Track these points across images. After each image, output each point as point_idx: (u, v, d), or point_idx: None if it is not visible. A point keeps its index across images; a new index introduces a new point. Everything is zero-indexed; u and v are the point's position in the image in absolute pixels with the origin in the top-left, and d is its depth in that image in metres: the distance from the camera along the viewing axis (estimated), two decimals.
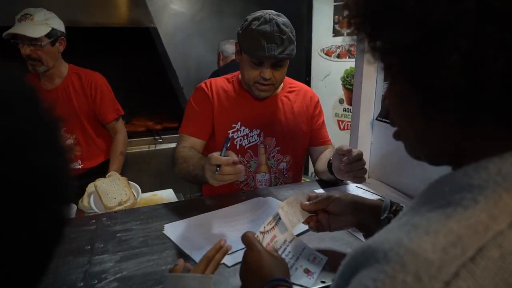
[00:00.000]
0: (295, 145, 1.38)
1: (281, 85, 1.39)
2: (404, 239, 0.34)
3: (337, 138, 2.36)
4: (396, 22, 0.38)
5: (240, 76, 1.37)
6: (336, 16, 2.52)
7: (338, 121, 2.81)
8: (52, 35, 1.66)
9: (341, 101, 2.77)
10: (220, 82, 1.39)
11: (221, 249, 0.79)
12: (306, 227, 0.92)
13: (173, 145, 2.41)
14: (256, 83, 1.27)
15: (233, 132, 1.33)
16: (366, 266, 0.35)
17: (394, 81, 0.45)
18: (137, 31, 2.16)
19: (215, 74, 2.25)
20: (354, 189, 1.29)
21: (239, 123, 1.33)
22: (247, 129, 1.33)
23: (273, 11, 1.24)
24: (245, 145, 1.34)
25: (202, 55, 2.70)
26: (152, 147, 2.29)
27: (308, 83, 2.74)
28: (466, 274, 0.30)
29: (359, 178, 1.10)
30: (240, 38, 1.27)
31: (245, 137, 1.34)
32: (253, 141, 1.34)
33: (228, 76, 1.42)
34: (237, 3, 2.72)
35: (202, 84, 1.38)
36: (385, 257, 0.33)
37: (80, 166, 1.84)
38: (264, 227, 0.81)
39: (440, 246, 0.32)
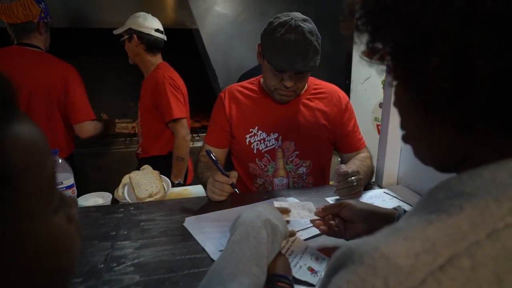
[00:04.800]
0: (316, 149, 1.35)
1: (304, 87, 1.36)
2: (381, 243, 0.34)
3: (376, 142, 2.29)
4: (390, 25, 0.38)
5: (262, 79, 1.38)
6: None
7: (378, 125, 2.72)
8: (128, 33, 1.92)
9: (381, 105, 2.68)
10: (240, 87, 1.40)
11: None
12: (316, 231, 0.92)
13: None
14: (278, 90, 1.27)
15: (250, 137, 1.34)
16: (344, 267, 0.36)
17: (397, 84, 0.44)
18: (180, 32, 2.26)
19: (243, 77, 2.28)
20: (381, 194, 1.26)
21: (256, 127, 1.34)
22: (264, 133, 1.33)
23: (299, 15, 1.20)
24: (262, 149, 1.34)
25: (243, 56, 2.74)
26: (190, 144, 2.37)
27: (348, 86, 2.68)
28: (432, 282, 0.30)
29: (348, 196, 1.13)
30: (263, 44, 1.25)
31: (262, 141, 1.33)
32: (270, 145, 1.33)
33: (253, 79, 1.43)
34: (279, 4, 2.73)
35: (221, 93, 1.42)
36: (360, 259, 0.33)
37: (140, 153, 2.08)
38: None
39: (413, 252, 0.32)
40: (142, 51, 1.95)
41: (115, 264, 0.85)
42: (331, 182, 1.56)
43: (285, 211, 0.90)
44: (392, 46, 0.39)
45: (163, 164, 1.87)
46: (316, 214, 0.91)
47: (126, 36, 1.94)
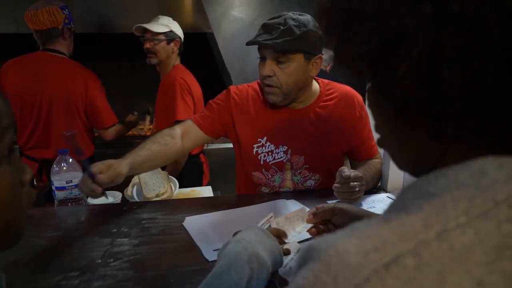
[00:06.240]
0: (326, 164, 1.28)
1: (316, 94, 1.28)
2: (338, 241, 0.34)
3: None
4: (358, 27, 0.37)
5: None
6: None
7: None
8: (168, 35, 2.01)
9: None
10: (253, 91, 1.32)
11: None
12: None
13: (223, 145, 2.52)
14: (264, 85, 1.20)
15: (257, 147, 1.27)
16: (305, 264, 0.37)
17: (367, 89, 0.44)
18: (196, 36, 2.31)
19: None
20: (384, 199, 1.24)
21: (264, 138, 1.26)
22: (273, 145, 1.26)
23: (299, 12, 1.16)
24: (270, 161, 1.27)
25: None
26: (204, 146, 2.42)
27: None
28: (376, 280, 0.29)
29: (346, 200, 1.12)
30: None
31: (270, 153, 1.27)
32: (278, 158, 1.26)
33: None
34: (296, 8, 2.74)
35: (233, 89, 1.32)
36: (318, 256, 0.34)
37: None
38: None
39: (363, 250, 0.32)
40: (175, 55, 2.07)
41: (112, 260, 0.88)
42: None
43: (283, 234, 0.84)
44: (361, 50, 0.38)
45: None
46: (308, 221, 0.88)
47: (165, 38, 2.01)
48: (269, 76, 1.16)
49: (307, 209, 0.98)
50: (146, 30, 2.00)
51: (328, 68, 2.60)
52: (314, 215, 0.87)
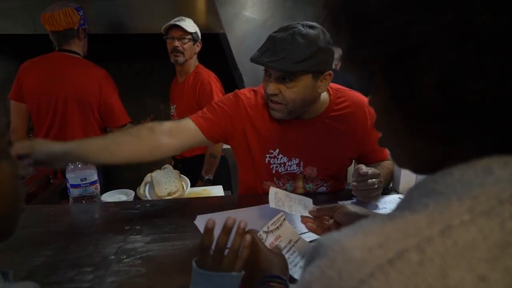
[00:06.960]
0: (338, 172, 1.29)
1: (326, 103, 1.23)
2: (343, 237, 0.35)
3: None
4: (373, 31, 0.37)
5: None
6: None
7: None
8: (194, 37, 2.09)
9: None
10: (261, 96, 1.25)
11: (242, 236, 0.74)
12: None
13: None
14: (269, 100, 1.14)
15: (270, 158, 1.24)
16: (312, 260, 0.37)
17: (377, 91, 0.43)
18: (208, 36, 2.33)
19: None
20: (395, 200, 1.23)
21: (277, 150, 1.23)
22: (285, 157, 1.24)
23: (309, 23, 1.07)
24: (282, 171, 1.25)
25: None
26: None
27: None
28: (380, 275, 0.30)
29: (365, 198, 1.13)
30: None
31: (283, 165, 1.25)
32: (291, 170, 1.25)
33: None
34: (308, 9, 2.74)
35: (243, 96, 1.25)
36: (324, 252, 0.34)
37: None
38: (268, 227, 0.84)
39: (368, 245, 0.32)
40: (196, 56, 2.16)
41: (124, 256, 0.90)
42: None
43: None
44: (374, 53, 0.39)
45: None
46: (310, 212, 0.90)
47: (191, 38, 2.09)
48: (275, 94, 1.10)
49: (311, 204, 0.99)
50: (172, 30, 2.05)
51: (337, 66, 2.59)
52: (317, 210, 0.89)
